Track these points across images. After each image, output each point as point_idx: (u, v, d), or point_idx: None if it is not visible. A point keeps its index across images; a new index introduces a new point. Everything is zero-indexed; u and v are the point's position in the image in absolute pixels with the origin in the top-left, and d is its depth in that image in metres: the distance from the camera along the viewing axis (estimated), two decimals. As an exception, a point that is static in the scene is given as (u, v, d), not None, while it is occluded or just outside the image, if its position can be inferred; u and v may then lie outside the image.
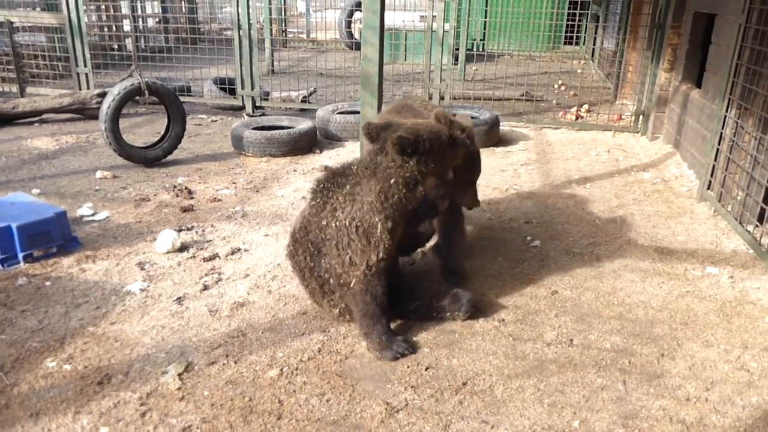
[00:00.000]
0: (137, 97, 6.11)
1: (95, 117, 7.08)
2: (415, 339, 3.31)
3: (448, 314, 3.47)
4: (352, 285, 3.14)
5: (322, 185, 3.22)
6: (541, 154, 7.01)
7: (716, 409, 2.81)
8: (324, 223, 3.14)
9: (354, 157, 3.54)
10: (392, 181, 3.05)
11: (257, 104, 8.50)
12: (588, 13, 13.07)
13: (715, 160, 5.26)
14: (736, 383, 3.00)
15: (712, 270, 4.18)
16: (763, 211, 4.65)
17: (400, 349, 3.13)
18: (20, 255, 3.97)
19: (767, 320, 3.57)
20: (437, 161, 3.16)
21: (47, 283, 3.78)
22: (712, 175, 5.34)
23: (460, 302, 3.47)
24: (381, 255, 3.08)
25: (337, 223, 3.10)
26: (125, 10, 11.64)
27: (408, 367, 3.06)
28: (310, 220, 3.20)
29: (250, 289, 3.80)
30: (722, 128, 5.17)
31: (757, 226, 4.66)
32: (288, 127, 6.91)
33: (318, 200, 3.20)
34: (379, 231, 3.04)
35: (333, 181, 3.19)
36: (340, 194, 3.13)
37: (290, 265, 3.45)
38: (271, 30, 12.63)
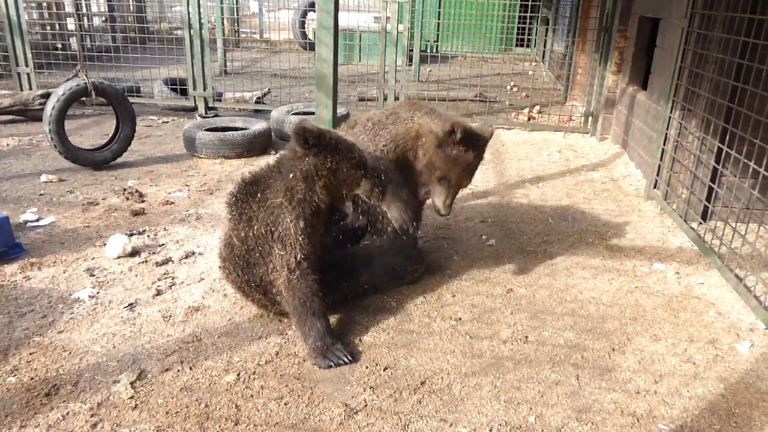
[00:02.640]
0: (83, 98, 5.92)
1: (38, 119, 6.82)
2: (371, 339, 3.31)
3: (402, 273, 3.81)
4: (282, 291, 3.15)
5: (234, 198, 3.21)
6: (495, 154, 7.11)
7: (665, 401, 2.91)
8: (243, 234, 3.14)
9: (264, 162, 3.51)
10: (291, 175, 3.09)
11: (210, 105, 8.35)
12: (538, 17, 13.34)
13: (661, 159, 5.45)
14: (683, 375, 3.11)
15: (659, 266, 4.32)
16: (706, 209, 4.84)
17: (334, 358, 3.06)
18: (-41, 263, 3.79)
19: (711, 314, 3.72)
20: (337, 165, 3.09)
21: (-11, 292, 3.62)
22: (658, 175, 5.52)
23: (414, 259, 3.88)
24: (299, 256, 3.09)
25: (255, 232, 3.11)
26: (69, 8, 11.24)
27: (367, 367, 3.06)
28: (231, 235, 3.20)
29: (205, 293, 3.72)
30: (667, 129, 5.35)
31: (700, 223, 4.85)
32: (242, 129, 6.81)
33: (234, 213, 3.19)
34: (292, 232, 3.07)
35: (245, 191, 3.19)
36: (254, 202, 3.14)
37: (229, 285, 3.45)
38: (223, 30, 12.44)
